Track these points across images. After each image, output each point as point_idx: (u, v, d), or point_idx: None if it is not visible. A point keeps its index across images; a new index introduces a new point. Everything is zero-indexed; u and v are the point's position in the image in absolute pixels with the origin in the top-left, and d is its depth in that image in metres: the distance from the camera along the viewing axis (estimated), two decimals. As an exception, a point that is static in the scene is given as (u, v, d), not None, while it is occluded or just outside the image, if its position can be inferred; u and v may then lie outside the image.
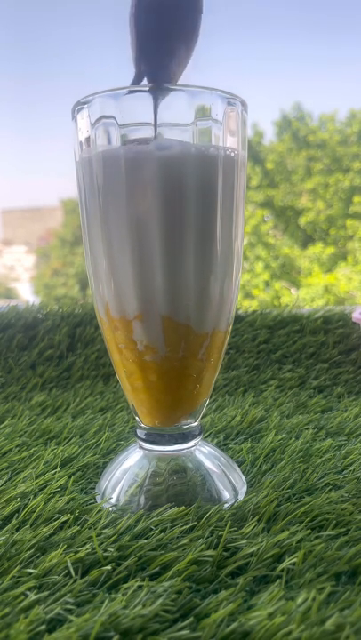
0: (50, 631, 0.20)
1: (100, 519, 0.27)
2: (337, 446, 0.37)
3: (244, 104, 0.29)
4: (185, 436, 0.31)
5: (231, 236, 0.29)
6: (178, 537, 0.26)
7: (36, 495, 0.30)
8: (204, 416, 0.43)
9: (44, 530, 0.26)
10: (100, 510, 0.29)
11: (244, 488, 0.31)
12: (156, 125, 0.26)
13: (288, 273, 7.38)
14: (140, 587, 0.22)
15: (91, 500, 0.30)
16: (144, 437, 0.31)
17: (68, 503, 0.29)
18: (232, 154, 0.28)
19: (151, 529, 0.27)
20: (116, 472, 0.31)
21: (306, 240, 7.70)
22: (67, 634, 0.20)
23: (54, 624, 0.21)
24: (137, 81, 0.27)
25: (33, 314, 0.59)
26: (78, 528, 0.27)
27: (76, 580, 0.23)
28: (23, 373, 0.53)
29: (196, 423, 0.31)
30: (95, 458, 0.35)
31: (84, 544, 0.25)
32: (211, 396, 0.46)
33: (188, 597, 0.22)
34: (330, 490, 0.31)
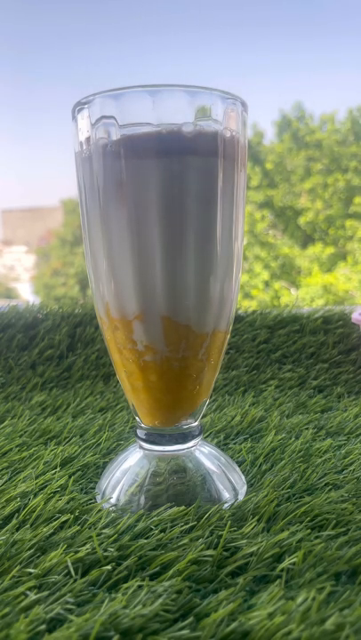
0: (50, 631, 0.20)
1: (101, 519, 0.28)
2: (337, 446, 0.37)
3: (244, 104, 0.29)
4: (185, 437, 0.31)
5: (231, 236, 0.29)
6: (178, 537, 0.26)
7: (36, 495, 0.30)
8: (204, 416, 0.43)
9: (44, 530, 0.26)
10: (100, 510, 0.29)
11: (244, 488, 0.31)
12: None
13: (288, 273, 7.38)
14: (140, 586, 0.22)
15: (91, 499, 0.30)
16: (144, 437, 0.31)
17: (68, 503, 0.29)
18: (232, 155, 0.28)
19: (151, 529, 0.27)
20: (117, 472, 0.31)
21: (305, 240, 7.70)
22: (67, 634, 0.20)
23: (54, 624, 0.21)
24: None
25: (33, 314, 0.59)
26: (78, 528, 0.27)
27: (76, 580, 0.23)
28: (23, 373, 0.53)
29: (196, 423, 0.31)
30: (95, 458, 0.35)
31: (84, 544, 0.25)
32: (211, 396, 0.46)
33: (188, 597, 0.22)
34: (330, 490, 0.31)
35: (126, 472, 0.31)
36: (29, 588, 0.22)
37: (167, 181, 0.26)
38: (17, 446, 0.37)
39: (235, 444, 0.38)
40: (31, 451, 0.36)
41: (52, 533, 0.26)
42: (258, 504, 0.29)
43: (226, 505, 0.29)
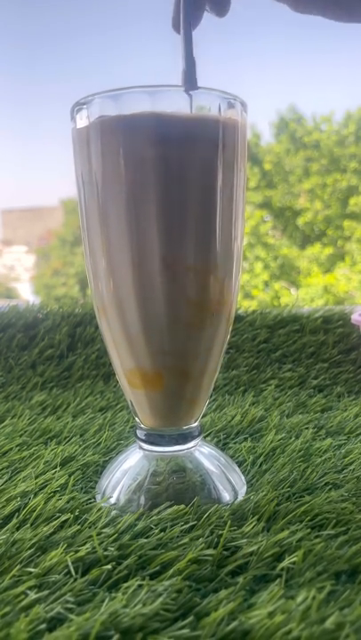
0: (50, 630, 0.20)
1: (101, 518, 0.28)
2: (337, 445, 0.37)
3: (243, 104, 0.29)
4: (185, 437, 0.31)
5: (231, 236, 0.29)
6: (178, 536, 0.26)
7: (36, 494, 0.30)
8: (204, 416, 0.43)
9: (45, 529, 0.26)
10: (100, 509, 0.29)
11: (244, 488, 0.31)
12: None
13: (287, 273, 7.38)
14: (140, 586, 0.22)
15: (91, 499, 0.30)
16: (144, 438, 0.31)
17: (68, 502, 0.29)
18: (232, 153, 0.28)
19: (151, 528, 0.27)
20: (117, 472, 0.31)
21: (304, 240, 7.70)
22: (67, 633, 0.20)
23: (54, 623, 0.21)
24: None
25: (33, 313, 0.59)
26: (78, 527, 0.27)
27: (76, 579, 0.23)
28: (23, 373, 0.53)
29: (196, 424, 0.31)
30: (95, 457, 0.35)
31: (85, 543, 0.25)
32: (211, 396, 0.46)
33: (188, 596, 0.22)
34: (330, 489, 0.31)
35: (126, 472, 0.31)
36: (30, 588, 0.22)
37: (166, 179, 0.26)
38: (17, 446, 0.37)
39: (235, 443, 0.38)
40: (31, 450, 0.36)
41: (53, 533, 0.26)
42: (258, 503, 0.29)
43: (226, 505, 0.29)
